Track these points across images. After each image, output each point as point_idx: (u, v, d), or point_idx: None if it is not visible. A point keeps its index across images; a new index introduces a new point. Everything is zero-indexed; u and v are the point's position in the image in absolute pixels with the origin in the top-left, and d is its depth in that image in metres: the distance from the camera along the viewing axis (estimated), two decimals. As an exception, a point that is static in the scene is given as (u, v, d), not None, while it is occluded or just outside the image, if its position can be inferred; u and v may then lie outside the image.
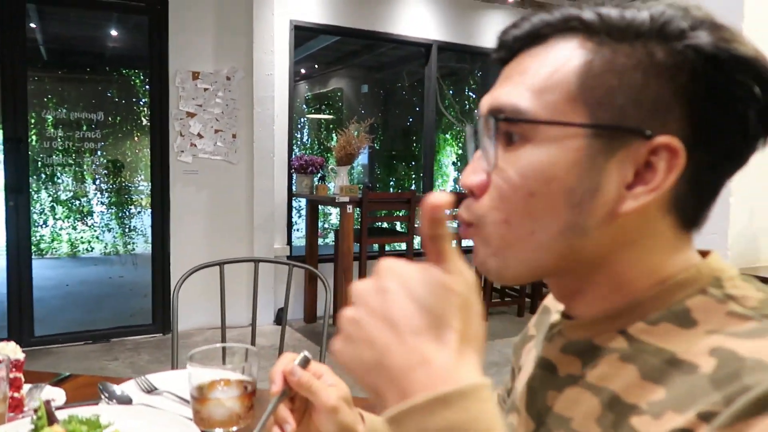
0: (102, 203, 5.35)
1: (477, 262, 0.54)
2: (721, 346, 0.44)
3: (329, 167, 4.61)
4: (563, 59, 0.50)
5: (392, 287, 0.41)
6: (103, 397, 0.92)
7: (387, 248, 5.01)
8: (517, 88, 0.51)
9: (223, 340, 1.84)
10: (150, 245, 4.38)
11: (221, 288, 1.91)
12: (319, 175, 4.62)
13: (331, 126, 9.00)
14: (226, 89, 4.29)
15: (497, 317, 4.87)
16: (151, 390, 0.98)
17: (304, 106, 9.05)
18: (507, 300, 5.09)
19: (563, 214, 0.49)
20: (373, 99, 9.03)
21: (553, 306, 0.68)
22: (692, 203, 0.50)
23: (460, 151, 8.06)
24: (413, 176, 8.04)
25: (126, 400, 0.91)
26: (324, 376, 0.67)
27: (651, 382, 0.47)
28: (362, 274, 4.27)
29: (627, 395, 0.48)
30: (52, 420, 0.70)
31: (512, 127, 0.50)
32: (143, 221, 5.50)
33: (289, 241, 4.63)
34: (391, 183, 8.26)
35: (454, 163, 8.14)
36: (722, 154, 0.49)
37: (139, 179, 5.27)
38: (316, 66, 8.69)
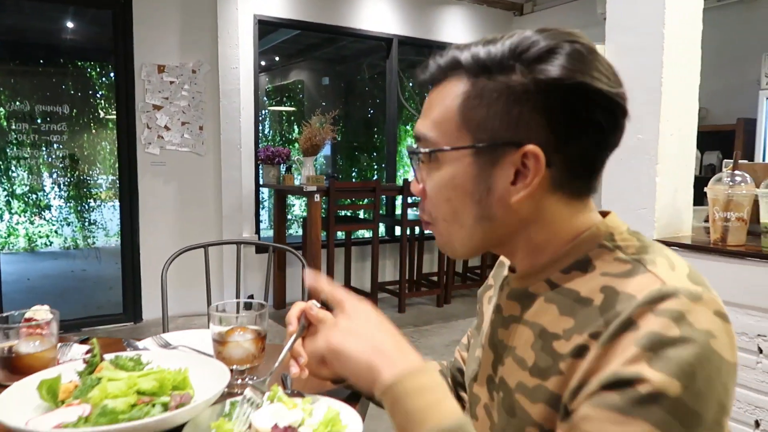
0: (60, 197, 5.31)
1: (440, 246, 0.74)
2: (607, 284, 0.62)
3: (295, 158, 4.74)
4: (451, 95, 0.67)
5: (375, 314, 0.69)
6: (129, 350, 1.06)
7: (353, 236, 5.18)
8: (425, 121, 0.69)
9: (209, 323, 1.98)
10: (111, 238, 4.41)
11: (206, 270, 2.05)
12: (285, 165, 4.75)
13: (292, 118, 9.07)
14: (192, 82, 4.37)
15: (459, 299, 5.11)
16: (166, 345, 1.13)
17: (265, 98, 9.09)
18: (468, 283, 5.34)
19: (472, 210, 0.67)
20: (334, 91, 9.13)
21: (506, 261, 0.87)
22: (572, 183, 0.67)
23: (420, 142, 8.23)
24: (375, 167, 8.19)
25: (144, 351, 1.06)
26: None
27: (565, 315, 0.64)
28: (330, 261, 4.43)
29: (551, 327, 0.66)
30: (101, 359, 0.85)
31: (423, 155, 0.69)
32: (103, 215, 5.49)
33: (257, 230, 4.75)
34: (353, 173, 8.40)
35: (414, 154, 8.31)
36: (584, 150, 0.64)
37: (98, 172, 5.25)
38: (277, 59, 8.74)
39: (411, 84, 8.12)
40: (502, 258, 0.91)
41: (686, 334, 0.54)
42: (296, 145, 4.68)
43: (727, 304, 0.58)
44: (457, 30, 5.79)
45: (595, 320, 0.60)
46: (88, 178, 5.19)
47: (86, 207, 5.48)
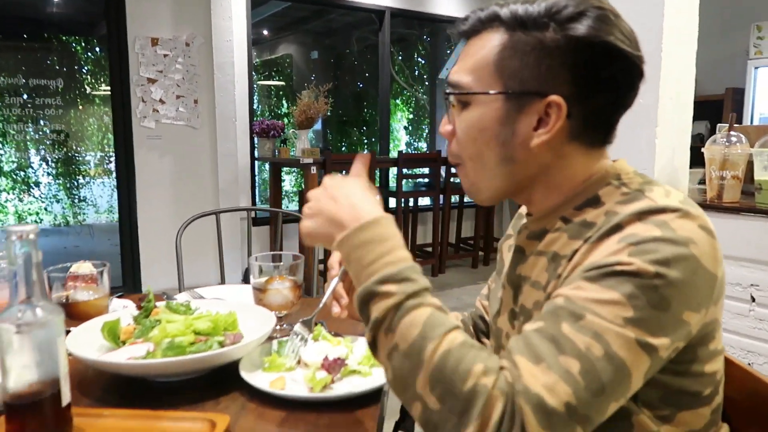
0: (48, 174, 5.29)
1: (465, 188, 0.81)
2: (610, 209, 0.70)
3: (290, 131, 4.76)
4: (487, 47, 0.74)
5: (330, 183, 0.74)
6: (165, 300, 1.13)
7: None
8: (461, 67, 0.76)
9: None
10: (102, 215, 4.41)
11: (218, 237, 2.10)
12: (280, 139, 4.77)
13: (281, 92, 9.03)
14: (185, 55, 4.36)
15: (454, 269, 5.21)
16: (198, 297, 1.19)
17: (254, 72, 9.02)
18: (461, 253, 5.44)
19: (496, 150, 0.75)
20: (323, 65, 9.08)
21: (524, 211, 0.94)
22: (587, 134, 0.75)
23: (411, 116, 8.27)
24: (365, 140, 8.22)
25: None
26: None
27: (573, 239, 0.72)
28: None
29: (561, 250, 0.73)
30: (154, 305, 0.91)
31: (458, 97, 0.76)
32: (93, 191, 5.49)
33: (253, 203, 4.79)
34: (343, 148, 8.42)
35: (405, 128, 8.36)
36: (601, 105, 0.73)
37: (86, 149, 5.22)
38: (266, 32, 8.66)
39: (400, 57, 8.12)
40: (520, 210, 0.98)
41: (667, 235, 0.62)
42: (286, 119, 4.69)
43: (723, 257, 0.66)
44: (450, 2, 5.79)
45: (591, 233, 0.68)
46: (76, 154, 5.17)
47: (75, 184, 5.46)
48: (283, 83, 9.05)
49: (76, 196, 5.52)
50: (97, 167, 5.50)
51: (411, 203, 5.21)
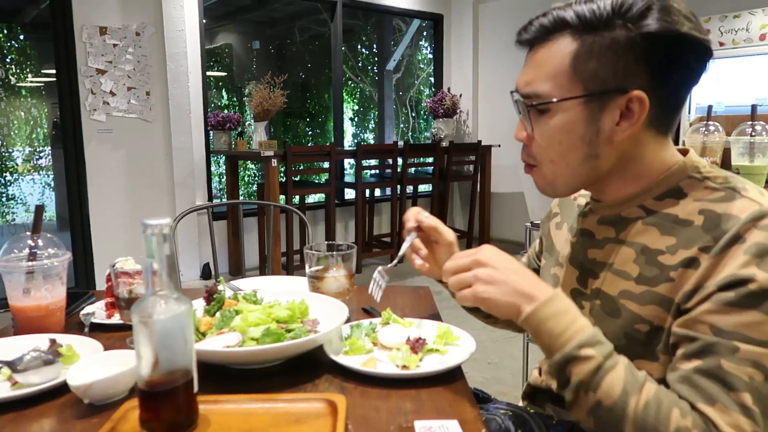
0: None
1: (540, 187, 0.88)
2: (705, 208, 0.76)
3: (247, 123, 4.70)
4: (559, 54, 0.78)
5: (497, 254, 0.81)
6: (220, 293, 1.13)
7: (308, 200, 5.23)
8: (537, 77, 0.80)
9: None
10: (32, 214, 4.19)
11: (211, 232, 2.08)
12: (236, 131, 4.70)
13: (220, 83, 8.82)
14: (136, 45, 4.21)
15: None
16: (237, 290, 1.20)
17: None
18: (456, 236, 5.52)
19: (582, 149, 0.80)
20: (265, 56, 8.94)
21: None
22: (662, 120, 0.81)
23: (356, 107, 8.29)
24: (310, 133, 8.17)
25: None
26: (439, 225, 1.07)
27: (666, 235, 0.78)
28: (289, 226, 4.48)
29: (653, 245, 0.79)
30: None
31: (539, 106, 0.80)
32: (22, 188, 5.22)
33: (210, 198, 4.70)
34: (287, 139, 8.34)
35: (351, 119, 8.37)
36: (676, 90, 0.79)
37: (12, 144, 4.94)
38: (204, 21, 8.43)
39: (343, 48, 8.11)
40: None
41: None
42: (226, 111, 4.62)
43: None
44: (400, -6, 5.83)
45: (701, 237, 0.74)
46: (1, 149, 4.89)
47: (2, 181, 5.17)
48: (224, 74, 8.84)
49: (3, 194, 5.23)
50: (26, 163, 5.24)
51: (368, 194, 5.25)
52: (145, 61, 4.25)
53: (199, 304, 0.95)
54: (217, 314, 0.89)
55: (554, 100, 0.78)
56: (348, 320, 0.97)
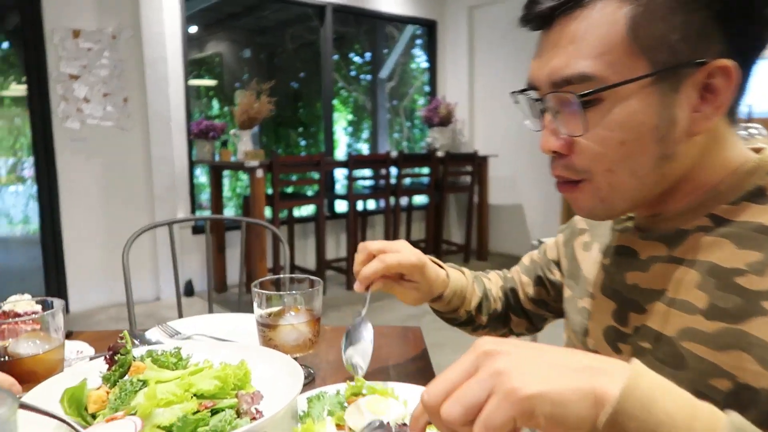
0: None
1: (584, 210, 0.63)
2: None
3: (231, 132, 4.45)
4: (610, 19, 0.55)
5: (512, 342, 0.46)
6: (137, 343, 0.87)
7: (295, 212, 4.97)
8: (575, 56, 0.56)
9: (180, 310, 1.76)
10: (16, 226, 3.97)
11: (172, 250, 1.83)
12: (220, 140, 4.45)
13: (210, 93, 8.59)
14: (112, 49, 3.96)
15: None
16: (174, 334, 0.94)
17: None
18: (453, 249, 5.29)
19: (653, 150, 0.57)
20: (255, 64, 8.72)
21: None
22: (736, 102, 0.59)
23: (350, 117, 8.07)
24: (303, 143, 7.94)
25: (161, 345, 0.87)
26: (401, 249, 0.84)
27: (747, 249, 0.56)
28: (275, 241, 4.22)
29: (725, 263, 0.57)
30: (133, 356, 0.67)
31: (586, 98, 0.56)
32: (4, 200, 4.99)
33: (193, 211, 4.44)
34: (279, 150, 8.10)
35: (344, 129, 8.14)
36: (753, 61, 0.58)
37: None
38: (193, 29, 8.22)
39: (336, 57, 7.90)
40: None
41: None
42: (217, 120, 4.38)
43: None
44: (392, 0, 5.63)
45: None
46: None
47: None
48: (214, 83, 8.62)
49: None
50: (9, 174, 5.04)
51: (360, 206, 5.00)
52: (122, 66, 4.00)
53: (99, 366, 0.69)
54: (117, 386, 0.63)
55: (607, 86, 0.55)
56: (310, 382, 0.71)
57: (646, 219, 0.66)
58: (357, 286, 0.81)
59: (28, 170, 4.96)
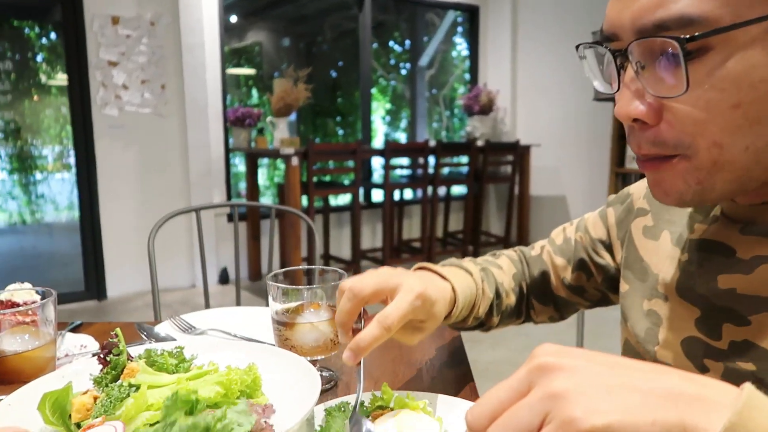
0: (2, 169, 4.88)
1: (672, 195, 0.49)
2: None
3: (267, 119, 4.40)
4: None
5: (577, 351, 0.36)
6: (144, 337, 0.80)
7: (331, 201, 4.90)
8: None
9: (206, 298, 1.70)
10: (62, 212, 4.04)
11: (200, 237, 1.76)
12: (256, 128, 4.41)
13: (249, 82, 8.62)
14: (150, 36, 3.95)
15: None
16: (187, 329, 0.86)
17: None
18: (449, 248, 5.16)
19: None
20: (295, 53, 8.69)
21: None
22: None
23: (388, 106, 7.97)
24: (340, 132, 7.88)
25: (171, 341, 0.79)
26: (397, 284, 0.64)
27: None
28: (310, 229, 4.16)
29: None
30: (128, 356, 0.59)
31: (689, 45, 0.43)
32: (51, 187, 5.09)
33: (229, 198, 4.42)
34: (317, 139, 8.07)
35: (382, 118, 8.05)
36: None
37: (43, 142, 4.82)
38: (233, 18, 8.24)
39: (375, 45, 7.79)
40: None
41: None
42: (255, 109, 4.34)
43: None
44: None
45: None
46: (32, 148, 4.77)
47: (32, 180, 5.06)
48: (253, 71, 8.64)
49: (33, 193, 5.12)
50: (56, 162, 5.14)
51: (396, 196, 4.90)
52: (161, 53, 3.99)
53: (92, 367, 0.60)
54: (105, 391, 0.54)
55: (726, 26, 0.42)
56: (332, 388, 0.62)
57: (751, 209, 0.53)
58: (348, 357, 0.60)
59: (73, 158, 5.06)
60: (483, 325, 0.80)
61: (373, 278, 0.63)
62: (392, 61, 7.69)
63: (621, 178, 4.16)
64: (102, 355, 0.58)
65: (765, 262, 0.50)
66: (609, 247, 0.75)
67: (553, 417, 0.32)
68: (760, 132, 0.44)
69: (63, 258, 4.55)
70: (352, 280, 0.63)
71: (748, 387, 0.32)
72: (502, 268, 0.83)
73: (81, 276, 4.00)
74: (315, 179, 4.03)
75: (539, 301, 0.83)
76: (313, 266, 0.72)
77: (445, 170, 5.19)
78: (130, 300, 3.93)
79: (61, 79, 4.54)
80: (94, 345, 0.79)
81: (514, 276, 0.83)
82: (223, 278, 4.31)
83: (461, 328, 0.80)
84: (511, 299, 0.81)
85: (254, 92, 8.24)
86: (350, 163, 4.11)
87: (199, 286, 4.21)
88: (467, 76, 6.35)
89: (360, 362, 0.61)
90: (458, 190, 5.53)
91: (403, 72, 7.44)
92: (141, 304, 3.87)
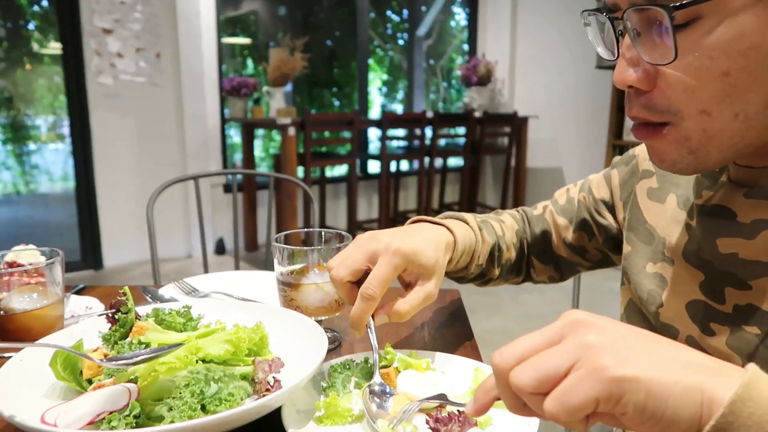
0: (-6, 140, 4.84)
1: (666, 162, 0.50)
2: None
3: (264, 89, 4.36)
4: None
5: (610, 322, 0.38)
6: (148, 300, 0.81)
7: (327, 173, 4.90)
8: None
9: (206, 266, 1.71)
10: (56, 183, 4.02)
11: (198, 204, 1.76)
12: (253, 97, 4.37)
13: (245, 52, 8.51)
14: (145, 3, 3.88)
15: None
16: (191, 292, 0.87)
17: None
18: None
19: None
20: (291, 23, 8.57)
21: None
22: None
23: (385, 77, 7.89)
24: (337, 103, 7.82)
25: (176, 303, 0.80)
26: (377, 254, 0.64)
27: None
28: (307, 200, 4.16)
29: None
30: (136, 315, 0.59)
31: (682, 10, 0.43)
32: (45, 157, 5.06)
33: (225, 168, 4.41)
34: (313, 110, 8.00)
35: (379, 89, 7.98)
36: None
37: (37, 112, 4.77)
38: (228, -15, 8.09)
39: (372, 15, 7.68)
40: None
41: None
42: (252, 80, 4.30)
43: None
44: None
45: None
46: (25, 118, 4.73)
47: (25, 150, 5.03)
48: (248, 41, 8.52)
49: (27, 164, 5.09)
50: (49, 131, 5.10)
51: (393, 167, 4.89)
52: (155, 20, 3.93)
53: (100, 325, 0.61)
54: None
55: None
56: (336, 347, 0.63)
57: (752, 172, 0.53)
58: (354, 333, 0.63)
59: (67, 128, 5.02)
60: (484, 276, 0.81)
61: (351, 261, 0.64)
62: (390, 31, 7.59)
63: (618, 151, 4.16)
64: (111, 314, 0.59)
65: (766, 227, 0.51)
66: (611, 208, 0.76)
67: (583, 364, 0.34)
68: (750, 99, 0.45)
69: (58, 228, 4.55)
70: (337, 270, 0.63)
71: (753, 365, 0.34)
72: (504, 223, 0.84)
73: (77, 246, 4.00)
74: (311, 150, 4.02)
75: (540, 259, 0.84)
76: (317, 229, 0.73)
77: (442, 142, 5.18)
78: (127, 269, 3.95)
79: (55, 47, 4.47)
80: (99, 306, 0.80)
81: (516, 232, 0.84)
82: (220, 249, 4.32)
83: (463, 279, 0.80)
84: (511, 253, 0.82)
85: (249, 62, 8.12)
86: (347, 134, 4.09)
87: (195, 257, 4.22)
88: (466, 47, 6.29)
89: (367, 332, 0.62)
90: (455, 161, 5.53)
91: (401, 42, 7.34)
92: (138, 274, 3.88)
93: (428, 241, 0.67)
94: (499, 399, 0.39)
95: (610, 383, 0.33)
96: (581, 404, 0.33)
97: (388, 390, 0.55)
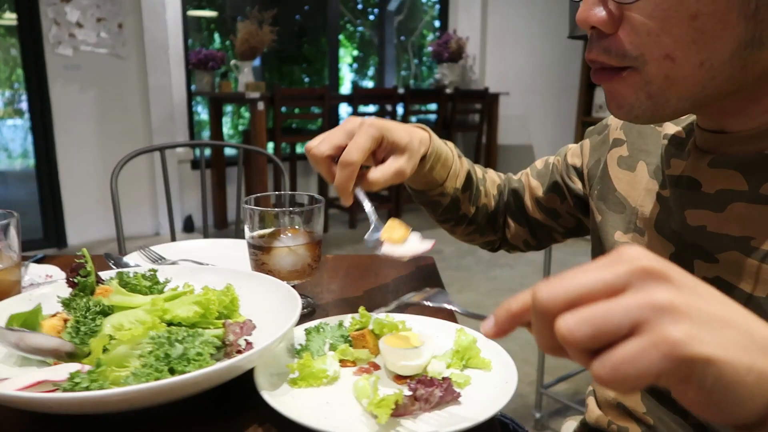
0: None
1: (624, 108, 0.48)
2: None
3: (231, 62, 4.26)
4: None
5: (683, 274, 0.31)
6: (112, 267, 0.77)
7: (298, 149, 4.83)
8: None
9: (173, 240, 1.67)
10: (15, 160, 3.87)
11: (165, 177, 1.71)
12: (220, 71, 4.27)
13: (212, 26, 8.29)
14: (105, -30, 3.73)
15: (412, 213, 4.96)
16: (157, 260, 0.84)
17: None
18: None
19: (737, 30, 0.42)
20: (259, -4, 8.39)
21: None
22: None
23: (355, 53, 7.80)
24: (307, 80, 7.71)
25: (141, 271, 0.77)
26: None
27: None
28: (277, 177, 4.10)
29: None
30: (97, 278, 0.56)
31: None
32: (2, 135, 4.88)
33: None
34: (283, 85, 7.86)
35: (350, 65, 7.88)
36: None
37: None
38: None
39: (342, -12, 7.53)
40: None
41: None
42: (219, 53, 4.19)
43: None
44: None
45: None
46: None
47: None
48: (215, 14, 8.30)
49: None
50: (7, 107, 4.90)
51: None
52: (116, -11, 3.78)
53: (59, 290, 0.58)
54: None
55: None
56: (309, 314, 0.61)
57: (715, 137, 0.52)
58: (343, 202, 0.66)
59: (25, 103, 4.83)
60: (458, 208, 0.80)
61: (331, 137, 0.66)
62: (360, 6, 7.47)
63: (587, 127, 4.20)
64: (70, 279, 0.56)
65: (736, 200, 0.50)
66: (581, 175, 0.76)
67: (649, 330, 0.28)
68: (717, 47, 0.43)
69: (19, 207, 4.37)
70: (318, 147, 0.66)
71: None
72: (487, 173, 0.86)
73: (39, 224, 3.88)
74: (281, 125, 3.95)
75: (514, 219, 0.84)
76: (288, 192, 0.71)
77: (413, 118, 5.15)
78: (91, 248, 3.85)
79: (9, 18, 4.27)
80: (60, 275, 0.77)
81: (498, 186, 0.85)
82: (188, 226, 4.25)
83: (438, 205, 0.79)
84: (490, 202, 0.84)
85: (216, 37, 7.91)
86: (317, 110, 4.03)
87: (163, 234, 4.14)
88: (437, 23, 6.23)
89: (355, 197, 0.66)
90: (426, 138, 5.51)
91: (371, 17, 7.25)
92: (103, 251, 3.78)
93: (405, 127, 0.70)
94: (523, 325, 0.34)
95: (679, 362, 0.28)
96: (639, 378, 0.28)
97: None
